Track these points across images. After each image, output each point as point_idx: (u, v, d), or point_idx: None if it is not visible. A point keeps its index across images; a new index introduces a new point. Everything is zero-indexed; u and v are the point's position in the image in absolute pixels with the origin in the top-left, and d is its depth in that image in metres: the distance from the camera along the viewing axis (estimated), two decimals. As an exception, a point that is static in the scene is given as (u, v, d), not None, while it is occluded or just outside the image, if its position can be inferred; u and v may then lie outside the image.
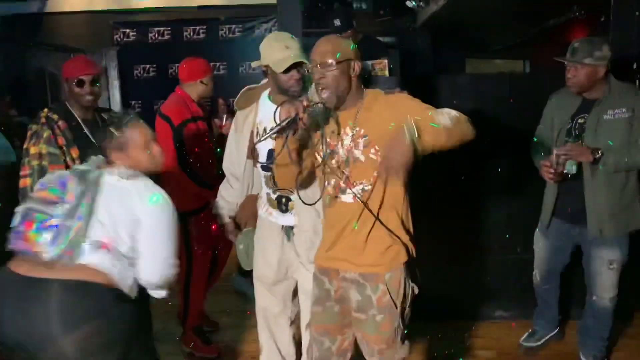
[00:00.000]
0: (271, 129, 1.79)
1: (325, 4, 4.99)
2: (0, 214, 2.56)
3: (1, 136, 3.66)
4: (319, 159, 1.95)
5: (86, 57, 2.72)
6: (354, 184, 1.91)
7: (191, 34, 5.53)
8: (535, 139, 2.72)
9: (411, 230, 2.00)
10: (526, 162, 2.79)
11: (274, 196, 2.31)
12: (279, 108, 1.79)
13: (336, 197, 1.95)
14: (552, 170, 2.44)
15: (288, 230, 2.31)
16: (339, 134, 1.90)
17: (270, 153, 2.30)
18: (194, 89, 3.22)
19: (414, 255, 1.98)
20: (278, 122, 1.76)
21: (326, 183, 1.97)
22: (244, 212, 2.52)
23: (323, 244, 2.05)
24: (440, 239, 2.97)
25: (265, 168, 2.32)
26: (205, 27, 5.49)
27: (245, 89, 2.51)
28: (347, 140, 1.90)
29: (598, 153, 2.41)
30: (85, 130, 2.56)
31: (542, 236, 2.74)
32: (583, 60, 2.43)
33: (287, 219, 2.31)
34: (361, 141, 1.89)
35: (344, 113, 1.90)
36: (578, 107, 2.56)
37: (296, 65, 2.16)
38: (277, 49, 2.19)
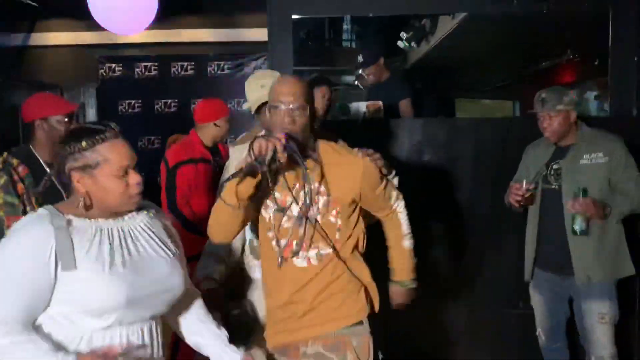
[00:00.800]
0: (242, 169, 1.60)
1: (316, 41, 4.94)
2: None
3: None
4: (267, 214, 1.77)
5: (52, 94, 2.54)
6: (310, 247, 1.73)
7: (179, 70, 5.41)
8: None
9: (369, 276, 1.85)
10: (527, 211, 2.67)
11: (256, 243, 2.13)
12: (253, 144, 1.59)
13: (286, 259, 1.75)
14: (520, 193, 2.44)
15: None
16: (289, 188, 1.71)
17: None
18: (207, 131, 3.11)
19: (377, 309, 1.84)
20: (251, 158, 1.57)
21: (274, 243, 1.77)
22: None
23: (271, 317, 1.83)
24: (434, 291, 2.82)
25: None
26: (193, 63, 5.39)
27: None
28: (302, 197, 1.71)
29: (608, 208, 2.38)
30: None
31: (534, 290, 2.65)
32: (555, 107, 2.45)
33: None
34: (321, 200, 1.72)
35: (297, 166, 1.69)
36: (552, 154, 2.57)
37: None
38: (253, 89, 2.11)
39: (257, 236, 2.08)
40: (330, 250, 1.74)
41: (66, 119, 2.37)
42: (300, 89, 1.71)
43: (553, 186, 2.52)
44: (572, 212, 2.39)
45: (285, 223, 1.74)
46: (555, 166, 2.54)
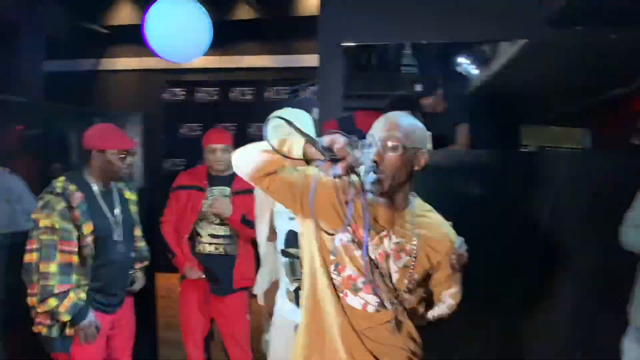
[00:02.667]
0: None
1: (368, 68, 4.88)
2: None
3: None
4: (337, 240, 1.64)
5: (117, 127, 2.63)
6: (373, 291, 1.63)
7: (238, 95, 5.51)
8: (630, 223, 2.44)
9: (418, 341, 1.73)
10: (606, 251, 2.47)
11: (291, 288, 2.08)
12: (328, 136, 1.51)
13: (341, 292, 1.63)
14: None
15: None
16: (377, 231, 1.62)
17: (290, 236, 2.09)
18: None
19: None
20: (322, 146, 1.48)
21: (332, 267, 1.65)
22: (267, 300, 2.30)
23: (300, 339, 1.72)
24: (483, 338, 2.64)
25: (284, 254, 2.10)
26: (252, 88, 5.47)
27: None
28: (387, 246, 1.62)
29: None
30: (102, 203, 2.43)
31: (637, 343, 2.39)
32: None
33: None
34: (404, 260, 1.62)
35: (387, 210, 1.62)
36: None
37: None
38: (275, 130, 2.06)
39: (291, 280, 2.04)
40: (391, 308, 1.65)
41: (121, 155, 2.43)
42: (402, 126, 1.64)
43: None
44: None
45: (354, 251, 1.63)
46: None
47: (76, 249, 2.29)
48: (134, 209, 2.62)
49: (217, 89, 5.54)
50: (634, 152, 3.96)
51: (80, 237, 2.32)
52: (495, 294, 2.84)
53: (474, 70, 4.55)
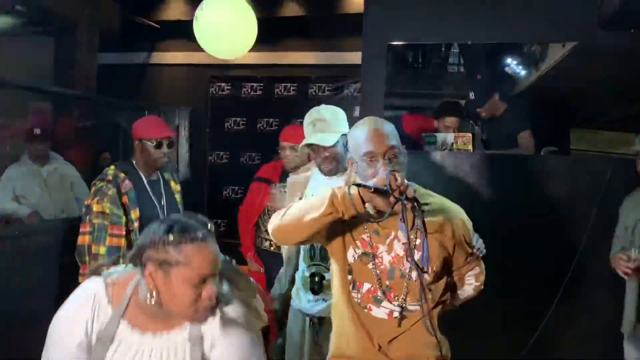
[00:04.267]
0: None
1: (412, 67, 4.83)
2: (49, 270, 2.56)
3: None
4: (357, 251, 1.65)
5: (159, 118, 2.75)
6: (395, 297, 1.63)
7: (282, 90, 5.57)
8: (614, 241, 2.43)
9: (445, 346, 1.71)
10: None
11: (307, 273, 2.10)
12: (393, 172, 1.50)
13: (365, 307, 1.65)
14: (630, 265, 2.18)
15: (315, 326, 2.08)
16: (385, 237, 1.62)
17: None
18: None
19: None
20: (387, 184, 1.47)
21: (356, 284, 1.66)
22: (282, 305, 2.33)
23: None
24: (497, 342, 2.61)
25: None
26: (296, 84, 5.52)
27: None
28: (398, 249, 1.62)
29: None
30: (149, 191, 2.52)
31: (633, 347, 2.39)
32: None
33: (316, 307, 2.08)
34: (418, 255, 1.58)
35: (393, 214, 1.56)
36: None
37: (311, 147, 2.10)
38: (305, 125, 2.09)
39: (308, 265, 2.07)
40: (417, 308, 1.64)
41: (155, 143, 2.51)
42: (390, 128, 1.65)
43: None
44: None
45: (370, 267, 1.63)
46: None
47: (124, 233, 2.40)
48: (179, 198, 2.71)
49: (262, 84, 5.62)
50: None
51: (128, 222, 2.43)
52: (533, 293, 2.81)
53: (522, 72, 4.44)
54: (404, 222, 1.45)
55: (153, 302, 1.27)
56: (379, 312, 1.63)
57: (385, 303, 1.63)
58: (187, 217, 1.32)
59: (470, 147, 2.92)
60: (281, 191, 3.22)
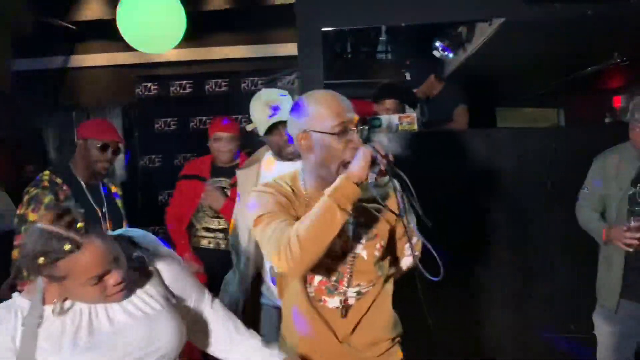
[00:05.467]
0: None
1: (348, 55, 4.86)
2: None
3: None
4: None
5: (110, 122, 2.58)
6: (350, 285, 1.58)
7: (213, 87, 5.43)
8: (582, 203, 2.46)
9: (399, 325, 1.70)
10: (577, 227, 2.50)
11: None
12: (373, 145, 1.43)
13: (319, 300, 1.59)
14: (638, 236, 2.15)
15: None
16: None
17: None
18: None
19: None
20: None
21: (307, 278, 1.58)
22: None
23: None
24: (476, 312, 2.66)
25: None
26: (227, 80, 5.39)
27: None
28: (348, 230, 1.56)
29: None
30: (89, 196, 2.36)
31: (606, 321, 2.37)
32: None
33: None
34: (364, 234, 1.57)
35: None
36: (637, 171, 2.28)
37: (282, 124, 1.97)
38: (259, 110, 2.03)
39: None
40: (370, 287, 1.62)
41: (99, 146, 2.36)
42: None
43: None
44: None
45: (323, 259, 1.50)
46: None
47: None
48: (120, 203, 2.56)
49: (191, 82, 5.45)
50: (606, 129, 4.04)
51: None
52: (489, 270, 2.88)
53: (451, 54, 4.55)
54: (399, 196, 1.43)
55: (66, 306, 1.27)
56: (334, 302, 1.59)
57: (338, 290, 1.58)
58: (58, 223, 1.20)
59: (415, 127, 2.95)
60: (216, 187, 3.12)
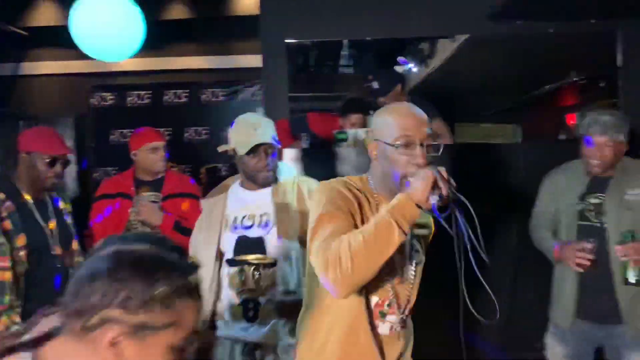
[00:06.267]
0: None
1: (312, 68, 4.82)
2: None
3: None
4: None
5: (55, 131, 2.38)
6: (399, 308, 1.53)
7: (172, 97, 5.29)
8: (535, 222, 2.47)
9: None
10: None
11: (237, 300, 1.94)
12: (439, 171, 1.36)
13: (371, 324, 1.48)
14: (589, 257, 2.11)
15: (252, 352, 1.92)
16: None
17: (242, 243, 1.99)
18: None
19: None
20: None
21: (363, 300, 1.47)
22: None
23: None
24: (443, 334, 2.62)
25: (233, 263, 1.97)
26: (187, 90, 5.27)
27: None
28: (406, 247, 1.55)
29: None
30: (36, 214, 2.20)
31: (559, 342, 2.31)
32: (618, 136, 2.15)
33: (254, 333, 1.93)
34: (415, 257, 1.54)
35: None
36: (587, 185, 2.27)
37: (264, 148, 1.98)
38: (243, 132, 1.99)
39: (238, 292, 1.91)
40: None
41: (48, 160, 2.19)
42: (425, 115, 1.53)
43: (594, 223, 2.22)
44: (625, 259, 2.08)
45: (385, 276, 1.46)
46: (594, 200, 2.24)
47: (10, 265, 2.04)
48: (70, 220, 2.39)
49: (150, 92, 5.30)
50: (560, 144, 4.15)
51: (12, 251, 2.07)
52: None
53: (414, 68, 4.57)
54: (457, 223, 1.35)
55: None
56: (384, 327, 1.51)
57: (388, 317, 1.51)
58: (160, 246, 0.89)
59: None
60: (150, 201, 2.83)
